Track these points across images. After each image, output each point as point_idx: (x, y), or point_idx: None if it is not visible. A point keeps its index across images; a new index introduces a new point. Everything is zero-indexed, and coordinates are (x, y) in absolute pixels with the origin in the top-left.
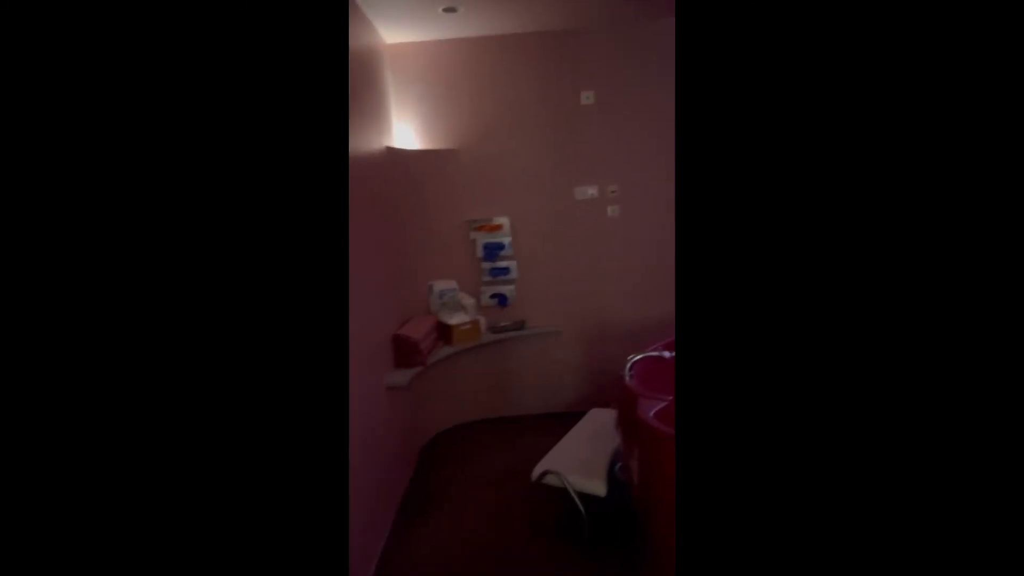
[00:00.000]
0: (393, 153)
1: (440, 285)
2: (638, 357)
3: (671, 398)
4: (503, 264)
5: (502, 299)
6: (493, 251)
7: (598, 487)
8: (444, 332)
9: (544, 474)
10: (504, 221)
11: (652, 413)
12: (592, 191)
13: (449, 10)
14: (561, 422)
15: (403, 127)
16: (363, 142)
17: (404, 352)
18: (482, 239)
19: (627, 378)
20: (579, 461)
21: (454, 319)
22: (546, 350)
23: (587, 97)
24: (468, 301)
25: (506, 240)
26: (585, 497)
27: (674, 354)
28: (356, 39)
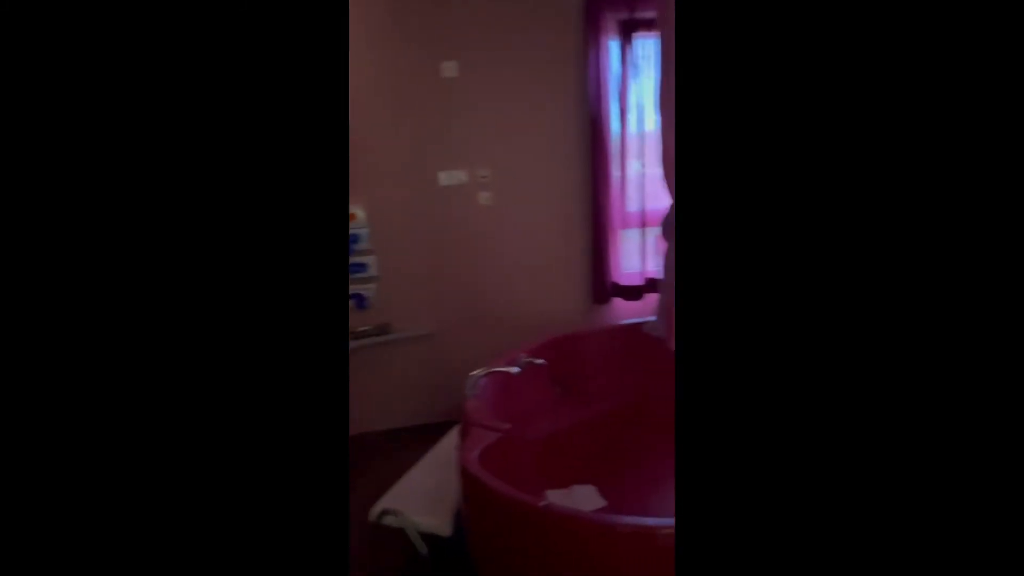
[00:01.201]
0: None
1: None
2: (483, 373)
3: (509, 426)
4: (359, 260)
5: (360, 300)
6: None
7: (442, 526)
8: None
9: (383, 514)
10: (358, 211)
11: (479, 451)
12: (460, 175)
13: None
14: (435, 433)
15: None
16: None
17: None
18: None
19: (469, 398)
20: (427, 493)
21: None
22: (415, 355)
23: (449, 68)
24: None
25: (362, 232)
26: (431, 537)
27: (526, 365)
28: None
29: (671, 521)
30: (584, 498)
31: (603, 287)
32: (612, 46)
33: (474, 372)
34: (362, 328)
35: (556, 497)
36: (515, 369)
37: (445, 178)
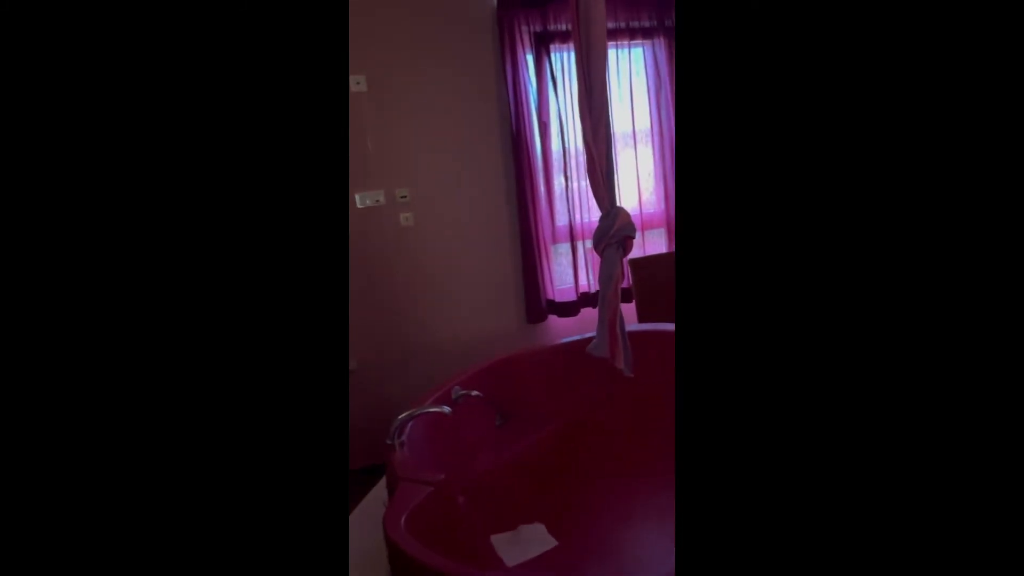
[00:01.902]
0: None
1: None
2: (408, 416)
3: (442, 477)
4: None
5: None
6: None
7: None
8: None
9: None
10: None
11: (407, 514)
12: (378, 197)
13: None
14: (362, 481)
15: None
16: None
17: None
18: None
19: (396, 447)
20: (358, 554)
21: None
22: None
23: (357, 83)
24: None
25: None
26: None
27: (461, 398)
28: None
29: None
30: (533, 539)
31: (537, 305)
32: (528, 60)
33: (400, 416)
34: None
35: (502, 542)
36: (446, 409)
37: (362, 200)
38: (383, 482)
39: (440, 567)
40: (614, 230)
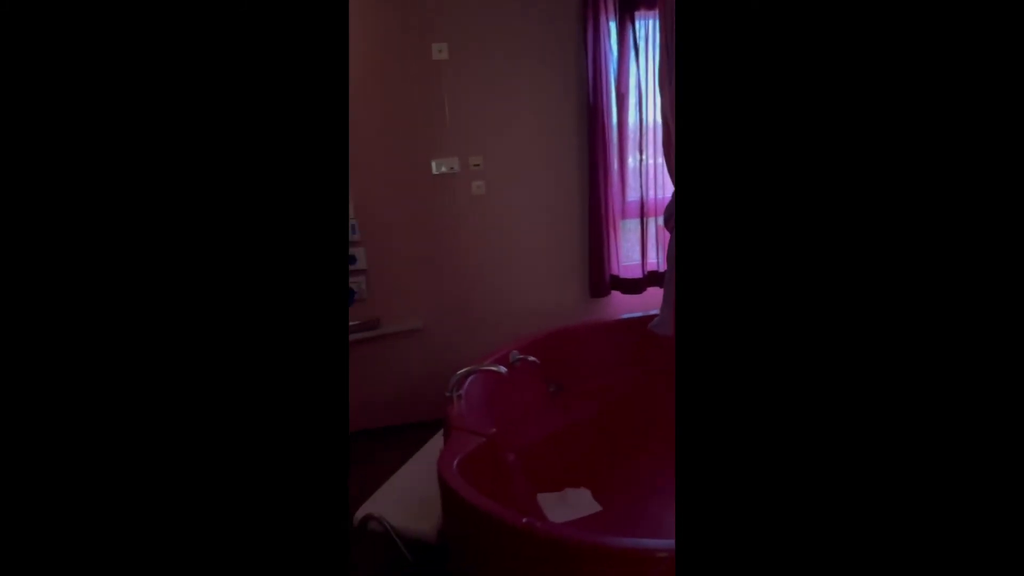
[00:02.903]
0: None
1: None
2: (467, 372)
3: (494, 430)
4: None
5: (349, 294)
6: None
7: (429, 533)
8: None
9: (366, 519)
10: None
11: (459, 459)
12: (452, 164)
13: None
14: (423, 431)
15: None
16: None
17: None
18: None
19: (453, 399)
20: (415, 496)
21: None
22: (406, 350)
23: (439, 50)
24: None
25: (351, 223)
26: (418, 544)
27: (518, 362)
28: None
29: (671, 543)
30: (578, 502)
31: (601, 280)
32: (611, 27)
33: (459, 371)
34: (352, 323)
35: (547, 500)
36: (502, 369)
37: (437, 166)
38: (440, 435)
39: (485, 507)
40: None
